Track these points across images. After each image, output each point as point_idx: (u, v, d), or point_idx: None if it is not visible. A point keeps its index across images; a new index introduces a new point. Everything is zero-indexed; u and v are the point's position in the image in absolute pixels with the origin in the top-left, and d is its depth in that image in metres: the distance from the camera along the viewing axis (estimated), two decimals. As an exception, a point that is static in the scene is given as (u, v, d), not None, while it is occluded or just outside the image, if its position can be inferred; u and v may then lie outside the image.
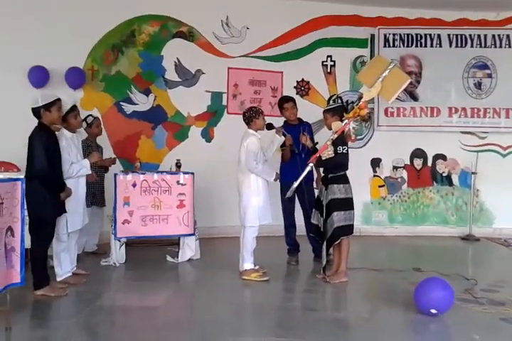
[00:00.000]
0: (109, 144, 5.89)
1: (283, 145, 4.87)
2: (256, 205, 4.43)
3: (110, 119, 5.94)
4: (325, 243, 4.36)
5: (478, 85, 6.88)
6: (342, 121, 4.36)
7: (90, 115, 5.17)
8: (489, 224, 6.89)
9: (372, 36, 6.88)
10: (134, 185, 4.91)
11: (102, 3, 5.86)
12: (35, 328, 3.23)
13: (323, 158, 4.33)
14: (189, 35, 6.42)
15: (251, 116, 4.49)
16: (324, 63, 6.88)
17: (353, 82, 6.81)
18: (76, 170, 4.07)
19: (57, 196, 3.86)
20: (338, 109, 4.53)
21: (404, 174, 6.98)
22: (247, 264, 4.43)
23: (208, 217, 5.79)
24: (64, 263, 4.11)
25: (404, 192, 6.98)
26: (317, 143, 4.77)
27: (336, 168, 4.34)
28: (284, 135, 4.69)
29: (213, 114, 6.52)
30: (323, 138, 4.49)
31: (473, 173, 6.73)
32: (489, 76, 6.86)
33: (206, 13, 6.33)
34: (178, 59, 6.35)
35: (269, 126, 4.71)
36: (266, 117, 4.62)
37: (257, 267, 4.57)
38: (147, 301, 3.84)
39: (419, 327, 3.40)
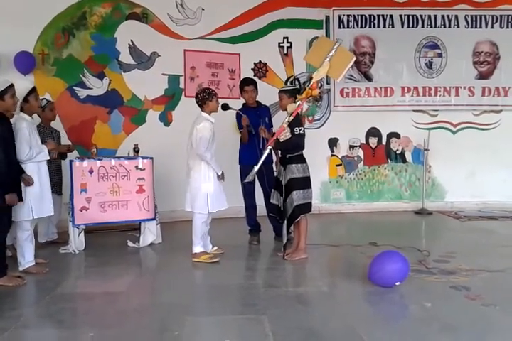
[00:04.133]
0: (63, 130, 5.76)
1: (241, 126, 4.90)
2: (205, 192, 4.40)
3: (63, 104, 5.78)
4: (285, 222, 4.47)
5: (429, 65, 7.08)
6: (296, 102, 4.43)
7: (44, 98, 5.04)
8: (441, 198, 7.20)
9: (327, 17, 6.93)
10: (91, 172, 4.85)
11: (50, -16, 5.67)
12: (-8, 319, 3.17)
13: (281, 140, 4.41)
14: (143, 16, 6.28)
15: (204, 98, 4.41)
16: (281, 45, 6.90)
17: (309, 63, 6.88)
18: (36, 152, 3.99)
19: (12, 184, 3.76)
20: (294, 91, 4.59)
21: (361, 153, 7.17)
22: (197, 248, 4.48)
23: (169, 201, 5.78)
24: (27, 253, 4.05)
25: (361, 170, 7.17)
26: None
27: (294, 149, 4.43)
28: (241, 115, 4.71)
29: (171, 98, 6.45)
30: (282, 119, 4.53)
31: (425, 150, 6.97)
32: (439, 55, 7.06)
33: (160, -6, 6.22)
34: (132, 41, 6.22)
35: (225, 107, 4.72)
36: (224, 100, 4.61)
37: (215, 248, 4.66)
38: (109, 287, 3.86)
39: (375, 298, 3.55)
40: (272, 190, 4.61)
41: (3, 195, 3.67)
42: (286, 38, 6.89)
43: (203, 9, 6.49)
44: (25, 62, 5.61)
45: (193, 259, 4.46)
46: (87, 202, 4.81)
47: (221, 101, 4.61)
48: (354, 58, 4.49)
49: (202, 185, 4.42)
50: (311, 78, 4.45)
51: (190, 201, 4.50)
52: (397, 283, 3.62)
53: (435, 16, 7.01)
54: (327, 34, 6.88)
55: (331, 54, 4.33)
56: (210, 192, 4.42)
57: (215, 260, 4.44)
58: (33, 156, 3.97)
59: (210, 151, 4.36)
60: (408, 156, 7.24)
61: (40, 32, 5.78)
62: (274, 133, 4.52)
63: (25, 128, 3.94)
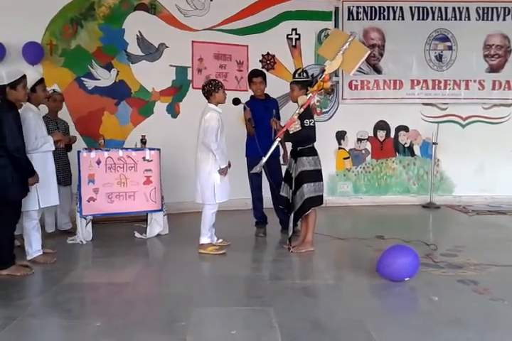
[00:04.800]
0: (71, 121, 5.77)
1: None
2: (213, 183, 4.41)
3: (71, 95, 5.79)
4: (293, 214, 4.45)
5: (439, 57, 7.00)
6: (307, 94, 4.40)
7: (53, 90, 5.06)
8: (449, 192, 7.16)
9: (337, 9, 6.88)
10: (99, 163, 4.85)
11: (58, -25, 5.65)
12: (0, 308, 3.18)
13: (291, 132, 4.38)
14: (151, 7, 6.26)
15: (210, 90, 4.39)
16: (289, 36, 6.85)
17: (317, 55, 6.80)
18: (41, 142, 4.00)
19: (23, 176, 3.78)
20: (306, 83, 4.54)
21: (368, 146, 7.13)
22: (204, 239, 4.49)
23: (176, 193, 5.79)
24: (34, 242, 4.07)
25: (368, 163, 7.14)
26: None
27: (305, 141, 4.40)
28: (245, 108, 4.69)
29: (178, 89, 6.44)
30: (290, 112, 4.52)
31: (434, 144, 6.92)
32: (450, 48, 6.99)
33: (168, -15, 6.18)
34: (140, 32, 6.21)
35: (236, 101, 4.69)
36: (232, 92, 4.58)
37: (220, 240, 4.66)
38: (116, 277, 3.87)
39: (382, 292, 3.55)
40: (283, 182, 4.59)
41: (19, 179, 3.70)
42: (295, 29, 6.84)
43: (211, 0, 6.46)
44: (33, 53, 5.62)
45: (200, 251, 4.47)
46: (94, 192, 4.82)
47: (228, 93, 4.57)
48: (368, 52, 4.43)
49: (210, 175, 4.41)
50: (323, 70, 4.41)
51: (200, 192, 4.49)
52: (407, 279, 3.60)
53: (446, 8, 6.93)
54: (336, 26, 6.84)
55: (344, 47, 4.28)
56: (217, 183, 4.42)
57: (222, 252, 4.45)
58: (38, 146, 3.98)
59: (216, 142, 4.34)
60: (416, 150, 7.19)
61: (49, 23, 5.79)
62: (284, 126, 4.50)
63: (31, 118, 3.95)
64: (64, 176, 5.03)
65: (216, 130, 4.33)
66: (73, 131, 5.58)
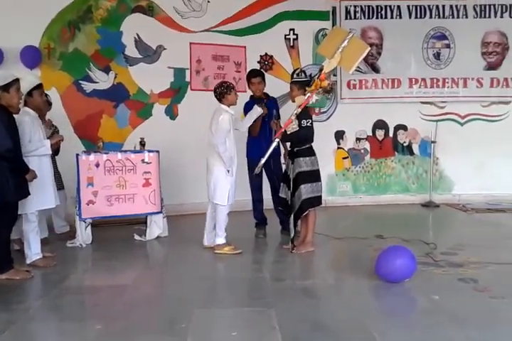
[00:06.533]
0: (69, 124, 5.77)
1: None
2: (227, 184, 4.45)
3: (70, 99, 5.80)
4: (292, 215, 4.45)
5: (437, 56, 7.00)
6: (305, 95, 4.39)
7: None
8: (448, 191, 7.15)
9: (334, 8, 6.87)
10: (98, 165, 4.86)
11: (55, -22, 5.66)
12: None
13: (288, 133, 4.38)
14: (148, 9, 6.26)
15: (222, 92, 4.43)
16: (287, 37, 6.85)
17: (315, 55, 6.80)
18: (35, 146, 3.99)
19: (21, 178, 3.79)
20: (305, 83, 4.54)
21: (367, 145, 7.13)
22: (220, 239, 4.50)
23: (176, 195, 5.80)
24: (33, 245, 4.07)
25: (367, 162, 7.14)
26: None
27: (302, 142, 4.40)
28: (250, 107, 4.70)
29: (177, 91, 6.43)
30: (289, 112, 4.52)
31: (432, 142, 6.92)
32: (447, 46, 6.99)
33: (165, -13, 6.18)
34: (137, 35, 6.20)
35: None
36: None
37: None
38: (116, 280, 3.87)
39: (383, 291, 3.54)
40: (281, 183, 4.60)
41: (16, 181, 3.70)
42: (293, 29, 6.84)
43: (208, 1, 6.45)
44: (31, 57, 5.62)
45: (216, 251, 4.47)
46: (93, 195, 4.82)
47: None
48: (368, 49, 4.36)
49: (225, 177, 4.44)
50: (321, 69, 4.38)
51: (212, 192, 4.51)
52: (406, 280, 3.60)
53: (443, 6, 6.93)
54: (334, 25, 6.81)
55: (343, 45, 4.22)
56: (231, 184, 4.47)
57: (238, 251, 4.46)
58: (32, 149, 3.96)
59: (225, 144, 4.36)
60: (415, 149, 7.19)
61: (46, 26, 5.79)
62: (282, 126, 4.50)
63: (26, 122, 3.94)
64: (55, 180, 4.97)
65: (226, 132, 4.37)
66: (72, 134, 5.57)
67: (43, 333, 2.99)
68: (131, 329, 2.92)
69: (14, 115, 3.86)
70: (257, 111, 4.64)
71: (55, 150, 4.89)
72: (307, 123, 4.36)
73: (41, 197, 4.05)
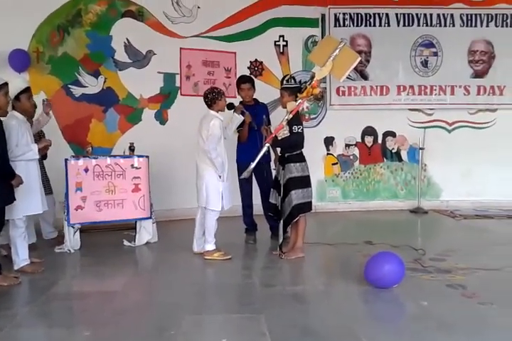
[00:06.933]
0: (58, 129, 5.73)
1: (240, 126, 4.87)
2: (220, 190, 4.45)
3: (58, 103, 5.74)
4: (282, 221, 4.45)
5: (425, 63, 7.09)
6: (296, 101, 4.42)
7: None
8: (437, 197, 7.22)
9: (323, 16, 6.94)
10: (86, 170, 4.82)
11: (44, -19, 5.64)
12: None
13: (279, 138, 4.40)
14: (139, 14, 6.26)
15: (214, 98, 4.44)
16: (277, 43, 6.89)
17: (305, 61, 6.85)
18: (22, 151, 3.92)
19: (6, 183, 3.74)
20: (295, 89, 4.57)
21: (356, 151, 7.18)
22: (209, 245, 4.49)
23: (165, 200, 5.78)
24: (21, 251, 4.01)
25: (357, 168, 7.19)
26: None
27: (292, 147, 4.42)
28: (243, 113, 4.71)
29: (166, 96, 6.43)
30: (279, 117, 4.54)
31: (420, 149, 6.99)
32: (435, 54, 7.08)
33: (155, -8, 6.19)
34: (127, 39, 6.20)
35: (230, 106, 4.71)
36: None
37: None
38: (104, 286, 3.83)
39: (372, 297, 3.55)
40: (271, 189, 4.60)
41: (1, 187, 3.65)
42: (282, 36, 6.89)
43: (198, 7, 6.48)
44: (20, 60, 5.59)
45: (206, 257, 4.46)
46: (82, 201, 4.79)
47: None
48: (359, 58, 4.41)
49: (218, 182, 4.44)
50: (313, 77, 4.43)
51: (204, 197, 4.48)
52: (395, 286, 3.62)
53: (431, 15, 7.02)
54: (323, 32, 6.89)
55: (335, 53, 4.28)
56: (224, 189, 4.47)
57: (228, 257, 4.45)
58: (18, 154, 3.90)
59: (216, 150, 4.37)
60: (404, 155, 7.25)
61: (35, 30, 5.76)
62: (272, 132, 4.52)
63: (13, 125, 3.88)
64: (43, 185, 4.92)
65: (218, 138, 4.39)
66: (59, 139, 5.52)
67: (31, 340, 2.95)
68: (120, 335, 2.89)
69: (1, 118, 3.82)
70: (237, 117, 4.66)
71: (43, 155, 4.85)
72: (298, 129, 4.38)
73: (28, 202, 4.00)
